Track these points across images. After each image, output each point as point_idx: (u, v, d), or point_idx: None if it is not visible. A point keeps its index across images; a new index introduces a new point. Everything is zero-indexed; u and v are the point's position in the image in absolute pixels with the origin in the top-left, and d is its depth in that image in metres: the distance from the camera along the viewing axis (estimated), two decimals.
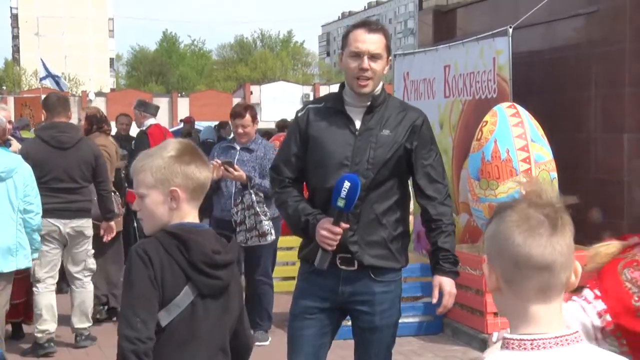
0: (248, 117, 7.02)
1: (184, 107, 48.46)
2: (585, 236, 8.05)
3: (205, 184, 2.83)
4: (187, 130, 15.90)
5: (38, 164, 6.57)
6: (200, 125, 20.11)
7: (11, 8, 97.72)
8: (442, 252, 3.73)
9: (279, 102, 39.42)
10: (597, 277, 2.80)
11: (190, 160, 2.78)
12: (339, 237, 3.56)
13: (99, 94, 56.38)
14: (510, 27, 7.80)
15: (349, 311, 3.83)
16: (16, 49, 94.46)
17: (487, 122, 7.33)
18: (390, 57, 3.84)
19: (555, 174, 7.22)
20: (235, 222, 6.75)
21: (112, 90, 71.58)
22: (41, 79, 28.57)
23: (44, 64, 27.49)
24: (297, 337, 3.84)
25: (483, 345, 6.88)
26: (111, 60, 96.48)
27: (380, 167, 3.68)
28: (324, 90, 42.43)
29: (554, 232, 1.73)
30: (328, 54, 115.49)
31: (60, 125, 7.00)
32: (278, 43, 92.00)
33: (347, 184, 3.47)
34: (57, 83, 26.25)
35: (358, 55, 3.67)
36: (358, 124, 3.73)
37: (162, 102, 50.91)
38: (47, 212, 6.49)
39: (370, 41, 3.68)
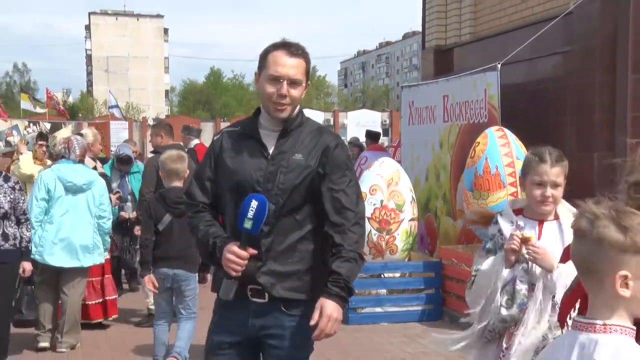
0: None
1: None
2: None
3: (175, 171, 5.47)
4: None
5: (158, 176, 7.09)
6: None
7: (86, 50, 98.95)
8: (333, 275, 2.83)
9: None
10: None
11: (171, 160, 5.46)
12: (245, 262, 2.79)
13: (156, 119, 56.40)
14: (499, 64, 7.80)
15: (260, 344, 2.98)
16: (90, 83, 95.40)
17: (479, 142, 7.32)
18: (309, 82, 3.00)
19: None
20: None
21: (167, 116, 71.82)
22: (109, 108, 28.89)
23: (111, 96, 27.80)
24: None
25: None
26: (166, 91, 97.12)
27: (290, 192, 2.87)
28: (342, 116, 42.39)
29: None
30: (345, 86, 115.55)
31: (176, 147, 7.28)
32: None
33: (254, 203, 2.74)
34: (114, 110, 26.61)
35: (277, 79, 2.87)
36: (272, 148, 2.94)
37: (208, 126, 50.96)
38: None
39: (291, 65, 2.87)
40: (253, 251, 2.80)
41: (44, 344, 6.28)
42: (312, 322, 2.78)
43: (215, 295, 3.01)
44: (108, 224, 6.41)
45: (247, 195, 2.82)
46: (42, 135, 7.78)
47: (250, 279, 2.84)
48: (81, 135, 7.40)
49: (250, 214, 2.74)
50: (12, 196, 5.39)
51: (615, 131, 7.50)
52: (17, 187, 5.47)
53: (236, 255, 2.78)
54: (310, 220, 2.92)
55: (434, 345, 3.22)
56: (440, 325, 7.22)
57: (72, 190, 6.19)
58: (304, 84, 2.93)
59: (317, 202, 2.91)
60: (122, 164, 8.44)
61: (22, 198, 5.50)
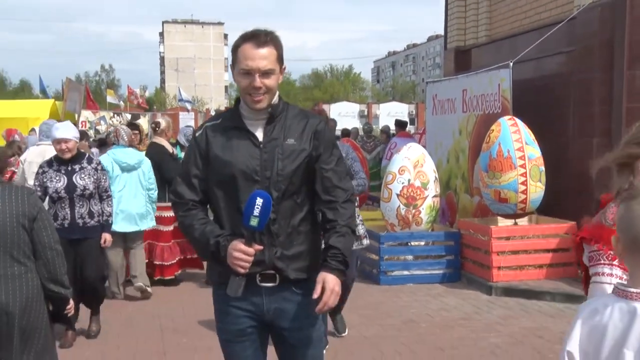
0: None
1: None
2: (566, 212, 7.86)
3: None
4: None
5: None
6: None
7: (160, 52, 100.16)
8: (331, 249, 2.48)
9: (342, 116, 39.20)
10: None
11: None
12: (252, 258, 2.40)
13: (217, 110, 56.98)
14: (511, 62, 7.69)
15: (275, 329, 2.58)
16: (162, 80, 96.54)
17: (493, 130, 7.25)
18: (284, 67, 2.52)
19: (543, 168, 7.12)
20: None
21: (226, 108, 72.21)
22: (179, 101, 29.27)
23: (180, 91, 28.14)
24: None
25: (489, 290, 6.82)
26: (225, 87, 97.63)
27: (290, 177, 2.48)
28: (375, 107, 42.10)
29: None
30: (378, 81, 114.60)
31: None
32: (342, 74, 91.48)
33: (259, 201, 2.34)
34: (186, 104, 27.07)
35: (249, 73, 2.43)
36: (260, 136, 2.51)
37: None
38: None
39: (260, 57, 2.41)
40: (259, 247, 2.41)
41: (115, 289, 6.71)
42: (315, 295, 2.40)
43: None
44: (155, 195, 6.75)
45: (244, 186, 2.45)
46: (132, 124, 7.95)
47: (262, 266, 2.47)
48: (157, 123, 7.53)
49: (256, 211, 2.34)
50: (95, 177, 5.31)
51: (611, 120, 7.37)
52: (98, 167, 5.40)
53: (244, 253, 2.38)
54: (308, 201, 2.55)
55: None
56: (459, 286, 7.23)
57: (127, 169, 6.55)
58: (278, 71, 2.48)
59: (311, 182, 2.55)
60: None
61: (104, 177, 5.43)
